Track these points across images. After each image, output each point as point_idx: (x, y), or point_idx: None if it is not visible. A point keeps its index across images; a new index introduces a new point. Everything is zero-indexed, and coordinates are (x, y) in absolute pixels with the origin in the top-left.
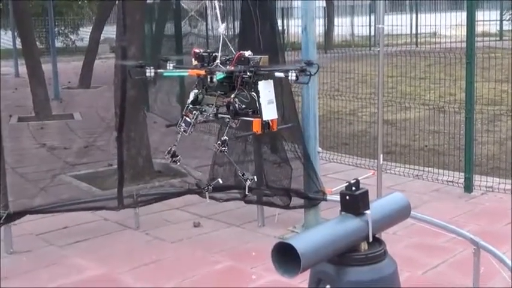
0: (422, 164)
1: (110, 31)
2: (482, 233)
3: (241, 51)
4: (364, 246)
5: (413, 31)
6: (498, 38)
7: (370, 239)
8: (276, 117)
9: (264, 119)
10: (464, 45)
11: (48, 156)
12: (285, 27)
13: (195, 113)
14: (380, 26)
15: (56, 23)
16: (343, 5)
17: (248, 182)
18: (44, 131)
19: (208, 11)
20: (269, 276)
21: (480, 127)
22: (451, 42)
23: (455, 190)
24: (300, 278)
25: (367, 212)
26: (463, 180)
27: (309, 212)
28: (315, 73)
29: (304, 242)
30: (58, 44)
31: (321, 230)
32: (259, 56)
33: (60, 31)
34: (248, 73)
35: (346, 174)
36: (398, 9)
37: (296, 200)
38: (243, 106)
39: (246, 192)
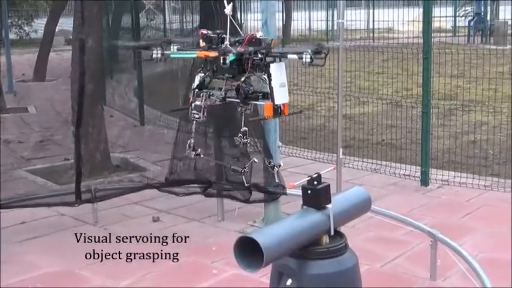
0: (380, 158)
1: (65, 23)
2: (439, 225)
3: (252, 33)
4: (325, 239)
5: (370, 26)
6: (452, 34)
7: (332, 233)
8: (287, 101)
9: (276, 103)
10: (419, 40)
11: (3, 150)
12: (243, 21)
13: (203, 95)
14: (340, 21)
15: (10, 14)
16: None
17: (276, 169)
18: None
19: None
20: (230, 270)
21: (436, 121)
22: (408, 37)
23: (412, 184)
24: (261, 272)
25: (329, 206)
26: (419, 174)
27: (269, 206)
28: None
29: (266, 236)
30: (12, 35)
31: (283, 224)
32: (270, 38)
33: (14, 22)
34: (259, 55)
35: (305, 168)
36: (355, 5)
37: (256, 194)
38: (252, 89)
39: (276, 180)
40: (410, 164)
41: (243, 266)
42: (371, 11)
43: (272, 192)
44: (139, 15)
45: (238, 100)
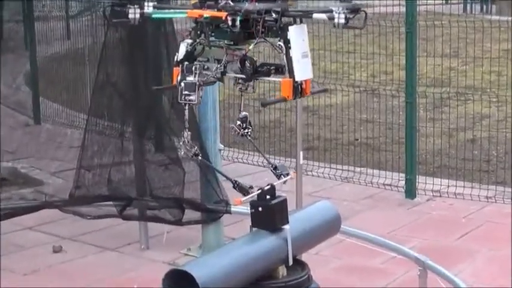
0: (353, 163)
1: None
2: (429, 250)
3: None
4: (282, 271)
5: None
6: (443, 1)
7: (290, 262)
8: (312, 76)
9: (297, 79)
10: (400, 9)
11: None
12: None
13: (196, 69)
14: None
15: None
16: None
17: (283, 179)
18: None
19: None
20: None
21: (423, 115)
22: (386, 6)
23: (395, 196)
24: None
25: (286, 227)
26: (403, 182)
27: (208, 229)
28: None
29: (204, 268)
30: None
31: (227, 253)
32: None
33: None
34: (274, 14)
35: (255, 177)
36: None
37: (191, 213)
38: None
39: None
40: (391, 170)
41: None
42: None
43: (212, 211)
44: None
45: (242, 76)
